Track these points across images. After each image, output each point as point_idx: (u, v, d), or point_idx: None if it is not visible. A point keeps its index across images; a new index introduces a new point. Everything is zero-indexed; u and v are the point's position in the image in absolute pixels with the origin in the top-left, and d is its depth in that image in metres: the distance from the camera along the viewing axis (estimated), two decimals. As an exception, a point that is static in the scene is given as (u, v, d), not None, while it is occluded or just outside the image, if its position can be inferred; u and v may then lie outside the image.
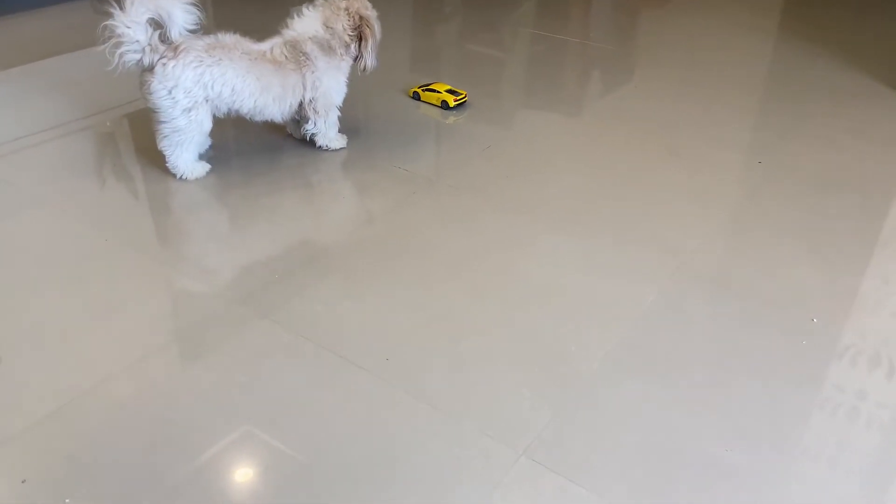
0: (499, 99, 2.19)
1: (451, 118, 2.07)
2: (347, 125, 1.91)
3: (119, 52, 1.51)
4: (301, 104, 1.74)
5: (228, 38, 1.64)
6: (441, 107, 2.11)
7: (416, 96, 2.16)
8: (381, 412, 1.11)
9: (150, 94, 1.57)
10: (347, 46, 1.72)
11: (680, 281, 1.42)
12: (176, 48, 1.55)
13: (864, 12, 3.05)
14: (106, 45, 1.51)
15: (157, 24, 1.53)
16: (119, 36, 1.50)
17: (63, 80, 2.23)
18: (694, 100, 2.20)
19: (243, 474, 1.02)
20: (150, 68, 1.55)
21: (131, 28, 1.50)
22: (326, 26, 1.70)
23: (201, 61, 1.56)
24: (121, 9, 1.49)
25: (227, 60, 1.59)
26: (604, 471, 1.03)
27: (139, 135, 1.91)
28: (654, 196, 1.70)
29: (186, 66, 1.55)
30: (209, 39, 1.61)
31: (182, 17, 1.54)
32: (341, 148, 1.87)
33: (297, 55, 1.68)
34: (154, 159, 1.76)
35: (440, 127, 2.02)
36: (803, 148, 1.92)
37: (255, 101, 1.65)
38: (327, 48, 1.70)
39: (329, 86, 1.74)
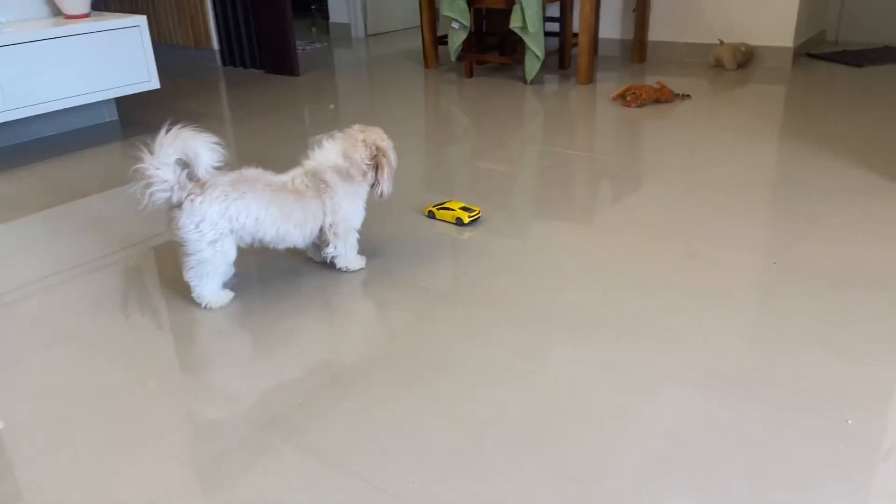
0: (512, 212, 2.25)
1: (467, 234, 2.12)
2: (366, 246, 1.97)
3: (149, 192, 1.59)
4: (322, 229, 1.81)
5: (251, 173, 1.73)
6: (456, 224, 2.18)
7: (431, 215, 2.23)
8: (411, 540, 1.08)
9: (178, 228, 1.64)
10: (365, 174, 1.81)
11: (705, 387, 1.40)
12: (203, 185, 1.63)
13: (863, 109, 3.15)
14: (136, 185, 1.60)
15: (184, 164, 1.62)
16: (149, 177, 1.59)
17: (93, 219, 2.34)
18: (703, 204, 2.25)
19: None
20: (179, 205, 1.62)
21: (161, 169, 1.58)
22: (345, 156, 1.79)
23: (227, 195, 1.64)
24: (150, 151, 1.59)
25: (251, 193, 1.67)
26: None
27: (163, 267, 1.98)
28: (671, 301, 1.71)
29: (213, 201, 1.63)
30: (234, 175, 1.70)
31: (208, 156, 1.63)
32: (361, 269, 1.92)
33: (318, 183, 1.76)
34: (178, 290, 1.81)
35: (456, 243, 2.07)
36: (817, 246, 1.94)
37: (277, 229, 1.72)
38: (346, 175, 1.79)
39: (348, 210, 1.81)
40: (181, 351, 1.59)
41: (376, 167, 1.81)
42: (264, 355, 1.57)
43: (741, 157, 2.65)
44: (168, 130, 1.57)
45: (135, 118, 3.53)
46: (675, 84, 3.69)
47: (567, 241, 2.04)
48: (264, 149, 2.98)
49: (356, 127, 1.84)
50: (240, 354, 1.58)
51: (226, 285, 1.80)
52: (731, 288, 1.75)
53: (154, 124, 1.59)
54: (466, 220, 2.16)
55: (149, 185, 1.59)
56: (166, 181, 1.60)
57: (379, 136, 1.83)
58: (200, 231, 1.63)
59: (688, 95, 3.51)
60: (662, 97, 3.41)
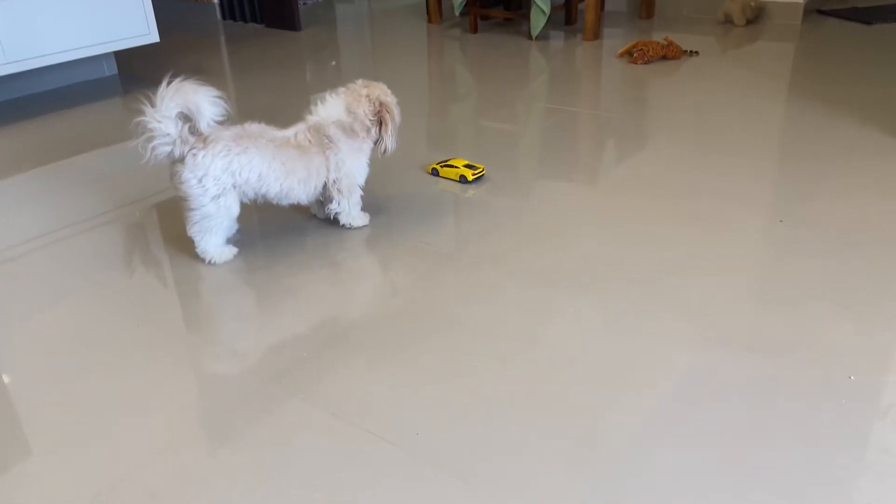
0: (516, 171, 2.23)
1: (470, 191, 2.11)
2: (370, 203, 1.96)
3: (151, 145, 1.58)
4: (325, 185, 1.80)
5: (254, 127, 1.71)
6: (460, 181, 2.16)
7: (435, 172, 2.22)
8: (414, 489, 1.10)
9: (181, 183, 1.63)
10: (368, 130, 1.79)
11: (709, 345, 1.41)
12: (205, 139, 1.61)
13: (872, 67, 3.10)
14: (139, 139, 1.59)
15: (186, 118, 1.60)
16: (151, 131, 1.57)
17: (95, 174, 2.32)
18: (710, 163, 2.23)
19: (278, 561, 1.00)
20: (181, 159, 1.61)
21: (162, 122, 1.57)
22: (348, 111, 1.77)
23: (229, 150, 1.63)
24: (152, 105, 1.57)
25: (254, 148, 1.66)
26: (647, 545, 0.99)
27: (167, 224, 1.97)
28: (677, 260, 1.71)
29: (215, 156, 1.61)
30: (236, 129, 1.68)
31: (209, 110, 1.61)
32: (364, 226, 1.91)
33: (321, 139, 1.75)
34: (182, 246, 1.81)
35: (459, 201, 2.06)
36: (824, 206, 1.93)
37: (280, 185, 1.71)
38: (350, 131, 1.77)
39: (352, 166, 1.80)
40: (186, 306, 1.60)
41: (380, 123, 1.79)
42: (269, 311, 1.57)
43: (749, 114, 2.62)
44: (169, 84, 1.55)
45: (135, 73, 3.48)
46: (683, 40, 3.63)
47: (572, 200, 2.03)
48: (266, 104, 2.94)
49: (360, 82, 1.81)
50: (244, 310, 1.58)
51: (229, 241, 1.79)
52: (736, 246, 1.75)
53: (154, 79, 1.57)
54: (470, 177, 2.15)
55: (151, 138, 1.57)
56: (168, 135, 1.58)
57: (383, 92, 1.80)
58: (203, 186, 1.62)
59: (696, 52, 3.46)
60: (670, 54, 3.35)
